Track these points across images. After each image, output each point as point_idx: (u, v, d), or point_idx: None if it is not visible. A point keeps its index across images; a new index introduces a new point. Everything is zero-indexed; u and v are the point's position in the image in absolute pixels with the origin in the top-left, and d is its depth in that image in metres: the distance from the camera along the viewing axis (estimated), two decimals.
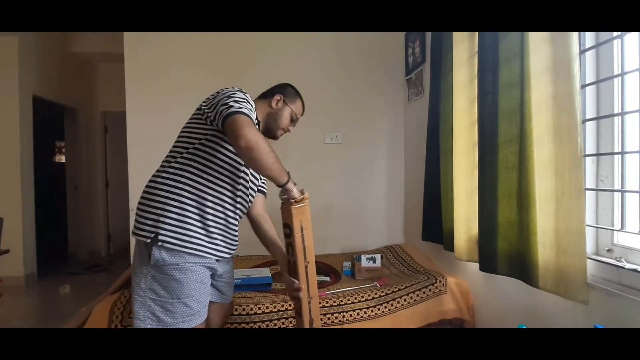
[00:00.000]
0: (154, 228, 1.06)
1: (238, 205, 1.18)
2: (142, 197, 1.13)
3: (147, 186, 1.14)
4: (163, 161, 1.16)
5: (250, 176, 1.22)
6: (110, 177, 4.53)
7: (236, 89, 1.14)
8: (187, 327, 1.08)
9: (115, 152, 4.47)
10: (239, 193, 1.17)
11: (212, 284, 1.23)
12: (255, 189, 1.30)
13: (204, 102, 1.15)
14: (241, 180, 1.17)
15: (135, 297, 1.08)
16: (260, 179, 1.35)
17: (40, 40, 3.59)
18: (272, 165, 1.03)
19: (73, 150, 4.37)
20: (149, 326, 1.05)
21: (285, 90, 1.32)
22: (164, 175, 1.11)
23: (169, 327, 1.06)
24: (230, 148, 1.12)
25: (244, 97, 1.11)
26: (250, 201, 1.27)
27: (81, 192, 4.39)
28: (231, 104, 1.04)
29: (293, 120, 1.32)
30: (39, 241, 3.59)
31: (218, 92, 1.14)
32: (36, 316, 2.74)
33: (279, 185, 1.09)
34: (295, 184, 1.11)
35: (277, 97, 1.28)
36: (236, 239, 1.23)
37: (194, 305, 1.09)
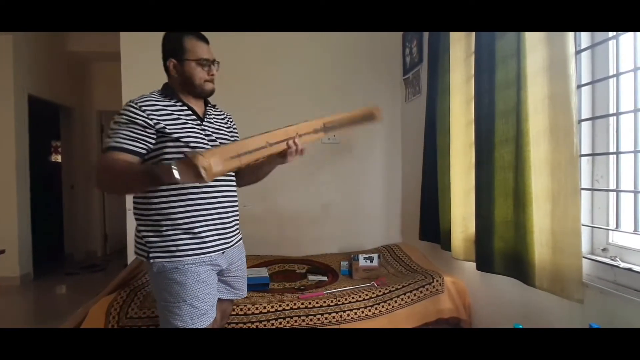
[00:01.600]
0: (145, 247, 1.10)
1: (214, 196, 1.14)
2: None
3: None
4: None
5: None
6: None
7: (122, 110, 1.05)
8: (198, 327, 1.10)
9: None
10: (204, 189, 1.11)
11: (221, 280, 1.23)
12: None
13: None
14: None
15: (157, 307, 1.15)
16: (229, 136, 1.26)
17: (35, 39, 3.56)
18: (128, 176, 0.98)
19: (69, 149, 4.34)
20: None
21: (170, 49, 1.14)
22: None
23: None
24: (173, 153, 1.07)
25: (121, 119, 1.04)
26: (227, 179, 1.20)
27: (77, 192, 4.36)
28: (106, 141, 1.03)
29: (204, 66, 1.14)
30: (34, 241, 3.57)
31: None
32: (32, 317, 2.72)
33: (159, 185, 1.01)
34: (170, 168, 0.88)
35: (170, 63, 1.13)
36: (230, 226, 1.20)
37: (200, 306, 1.09)
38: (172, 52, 1.13)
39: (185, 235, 1.09)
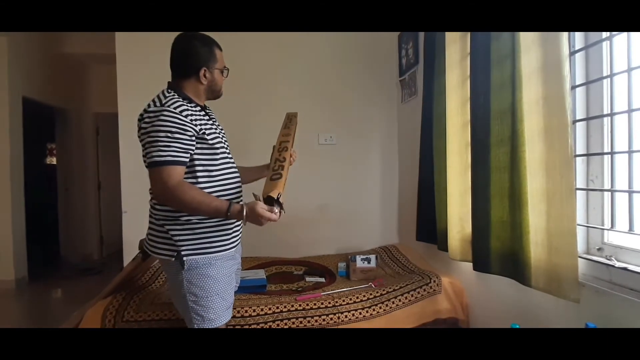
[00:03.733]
0: (174, 246, 1.12)
1: (236, 192, 1.23)
2: (149, 216, 1.19)
3: (150, 205, 1.18)
4: None
5: (227, 156, 1.23)
6: (102, 179, 4.48)
7: (164, 117, 1.05)
8: (225, 320, 1.18)
9: (107, 154, 4.41)
10: (231, 187, 1.21)
11: None
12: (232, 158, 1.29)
13: (141, 125, 1.11)
14: (224, 176, 1.19)
15: (179, 307, 1.18)
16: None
17: (30, 41, 3.54)
18: (203, 209, 1.07)
19: (64, 152, 4.31)
20: (196, 327, 1.14)
21: (204, 59, 1.19)
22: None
23: (213, 323, 1.14)
24: (204, 158, 1.14)
25: (169, 129, 1.05)
26: (236, 172, 1.27)
27: (73, 195, 4.33)
28: (154, 153, 1.05)
29: (222, 72, 1.25)
30: (29, 244, 3.54)
31: (146, 122, 1.08)
32: (27, 321, 2.70)
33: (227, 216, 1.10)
34: (237, 205, 1.08)
35: (202, 71, 1.18)
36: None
37: (228, 298, 1.20)
38: (206, 61, 1.19)
39: (217, 232, 1.16)
